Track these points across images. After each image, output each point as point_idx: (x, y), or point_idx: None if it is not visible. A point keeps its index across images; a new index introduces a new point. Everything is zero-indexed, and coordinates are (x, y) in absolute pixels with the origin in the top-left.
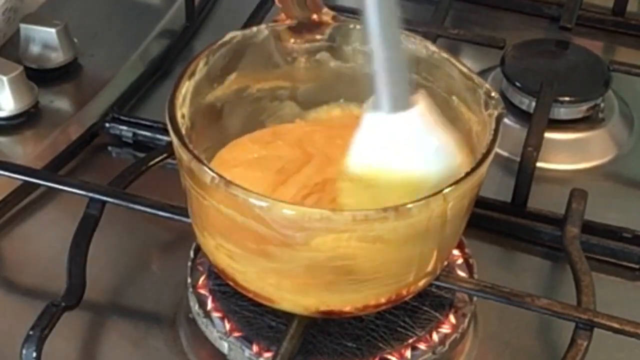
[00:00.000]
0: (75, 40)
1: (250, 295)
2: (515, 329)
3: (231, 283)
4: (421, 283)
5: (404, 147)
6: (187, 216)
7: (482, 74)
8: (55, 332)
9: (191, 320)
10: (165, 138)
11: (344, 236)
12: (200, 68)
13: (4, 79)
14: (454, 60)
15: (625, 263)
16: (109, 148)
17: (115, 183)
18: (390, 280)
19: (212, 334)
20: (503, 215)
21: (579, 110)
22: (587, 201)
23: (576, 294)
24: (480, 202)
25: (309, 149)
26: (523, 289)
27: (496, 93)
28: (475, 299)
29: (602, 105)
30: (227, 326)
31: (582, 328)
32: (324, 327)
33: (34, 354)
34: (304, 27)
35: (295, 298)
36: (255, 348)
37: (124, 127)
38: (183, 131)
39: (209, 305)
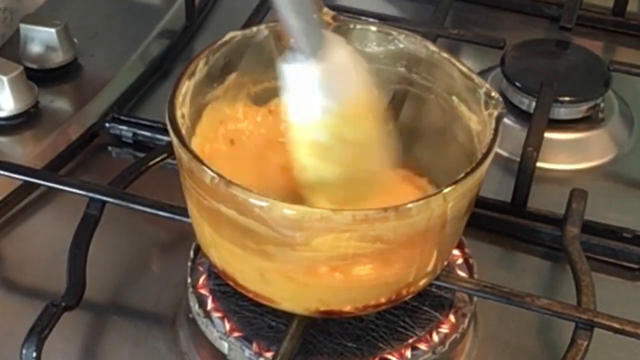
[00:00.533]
0: (75, 40)
1: (250, 295)
2: (515, 329)
3: (231, 283)
4: (421, 283)
5: (332, 88)
6: (187, 216)
7: (482, 74)
8: (55, 332)
9: (191, 320)
10: (165, 138)
11: (344, 236)
12: (200, 68)
13: (4, 79)
14: (454, 60)
15: (625, 263)
16: (109, 148)
17: (115, 183)
18: (391, 280)
19: (212, 334)
20: (503, 215)
21: (579, 110)
22: (587, 201)
23: (576, 294)
24: (480, 202)
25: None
26: (523, 289)
27: (496, 93)
28: (475, 299)
29: (602, 105)
30: (227, 326)
31: (582, 328)
32: (324, 327)
33: (34, 354)
34: None
35: (296, 298)
36: (255, 348)
37: (124, 127)
38: (183, 131)
39: (209, 305)
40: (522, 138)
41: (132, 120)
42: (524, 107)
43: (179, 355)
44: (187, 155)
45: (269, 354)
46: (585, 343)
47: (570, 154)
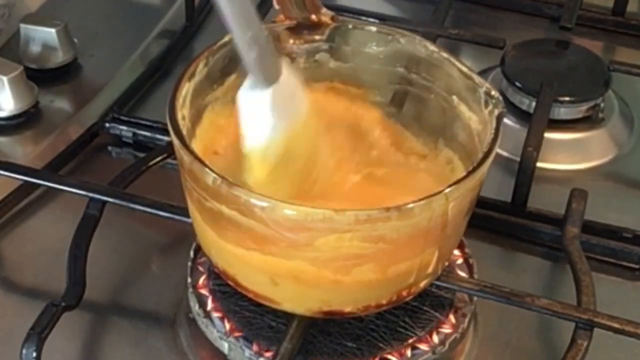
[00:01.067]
0: (75, 40)
1: (251, 296)
2: (515, 329)
3: (232, 283)
4: (422, 284)
5: (283, 113)
6: (187, 216)
7: (482, 74)
8: (55, 332)
9: (191, 320)
10: (165, 138)
11: (346, 236)
12: (200, 69)
13: (4, 79)
14: (453, 60)
15: (625, 263)
16: (109, 148)
17: (115, 183)
18: (392, 280)
19: (212, 334)
20: (503, 215)
21: (579, 110)
22: (587, 201)
23: (576, 294)
24: (480, 202)
25: None
26: (523, 289)
27: (496, 92)
28: (475, 299)
29: (602, 105)
30: (227, 326)
31: (582, 328)
32: (324, 327)
33: (34, 354)
34: (303, 28)
35: (297, 299)
36: (255, 348)
37: (124, 127)
38: (184, 133)
39: (209, 305)
40: (522, 138)
41: (132, 120)
42: (524, 107)
43: (179, 355)
44: (188, 156)
45: (269, 354)
46: (585, 343)
47: (570, 154)
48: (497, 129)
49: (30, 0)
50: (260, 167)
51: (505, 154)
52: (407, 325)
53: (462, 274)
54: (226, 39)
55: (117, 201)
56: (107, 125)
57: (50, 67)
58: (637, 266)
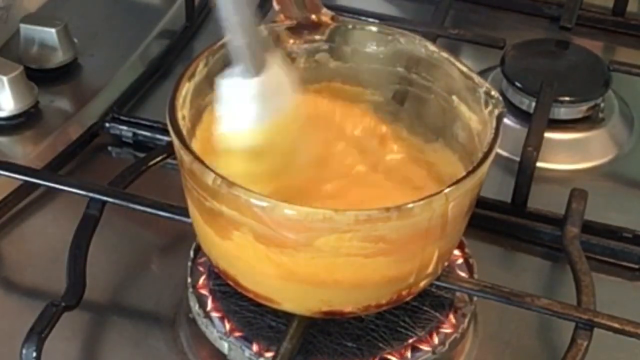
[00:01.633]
0: (75, 40)
1: (251, 296)
2: (515, 329)
3: (232, 283)
4: (422, 284)
5: (264, 105)
6: (187, 216)
7: (482, 74)
8: (55, 332)
9: (191, 320)
10: (165, 138)
11: (346, 236)
12: (200, 69)
13: (4, 79)
14: (453, 60)
15: (625, 263)
16: (109, 148)
17: (115, 183)
18: (392, 281)
19: (212, 334)
20: (503, 215)
21: (579, 110)
22: (587, 201)
23: (576, 294)
24: (480, 202)
25: None
26: (523, 289)
27: (496, 92)
28: (475, 299)
29: (602, 105)
30: (227, 326)
31: (582, 328)
32: (324, 327)
33: (34, 354)
34: (303, 28)
35: (298, 299)
36: (255, 348)
37: (124, 127)
38: (184, 133)
39: (209, 305)
40: (522, 138)
41: (132, 120)
42: (524, 107)
43: (179, 355)
44: (188, 156)
45: (269, 354)
46: (585, 343)
47: (570, 154)
48: (497, 129)
49: (30, 0)
50: (234, 158)
51: (505, 154)
52: (407, 325)
53: (462, 274)
54: (226, 39)
55: (117, 201)
56: (107, 125)
57: (50, 67)
58: (637, 266)
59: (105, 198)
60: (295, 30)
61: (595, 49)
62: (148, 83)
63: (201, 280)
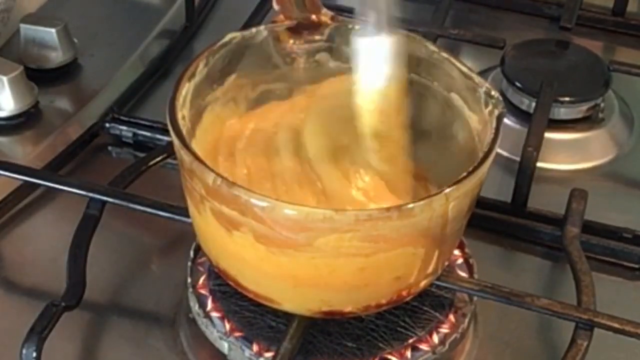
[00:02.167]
0: (75, 40)
1: (251, 296)
2: (515, 329)
3: (232, 283)
4: (422, 284)
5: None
6: (187, 216)
7: (482, 74)
8: (55, 332)
9: (191, 320)
10: (165, 138)
11: (346, 236)
12: (200, 69)
13: (4, 79)
14: (453, 60)
15: (625, 263)
16: (109, 148)
17: (115, 183)
18: (392, 281)
19: (212, 334)
20: (503, 215)
21: (579, 110)
22: (587, 201)
23: (576, 294)
24: (480, 202)
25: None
26: (523, 289)
27: (496, 92)
28: (475, 299)
29: (602, 105)
30: (227, 326)
31: (582, 328)
32: (324, 327)
33: (34, 354)
34: (303, 28)
35: (298, 299)
36: (255, 348)
37: (124, 127)
38: (184, 133)
39: (209, 305)
40: (522, 138)
41: (132, 120)
42: (524, 107)
43: (179, 355)
44: (188, 156)
45: (269, 354)
46: (585, 343)
47: (570, 154)
48: (497, 129)
49: (30, 0)
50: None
51: (505, 154)
52: (407, 325)
53: (462, 274)
54: (226, 39)
55: (117, 201)
56: (107, 125)
57: (50, 67)
58: (637, 266)
59: (105, 198)
60: (295, 30)
61: (595, 49)
62: (148, 83)
63: (201, 280)
